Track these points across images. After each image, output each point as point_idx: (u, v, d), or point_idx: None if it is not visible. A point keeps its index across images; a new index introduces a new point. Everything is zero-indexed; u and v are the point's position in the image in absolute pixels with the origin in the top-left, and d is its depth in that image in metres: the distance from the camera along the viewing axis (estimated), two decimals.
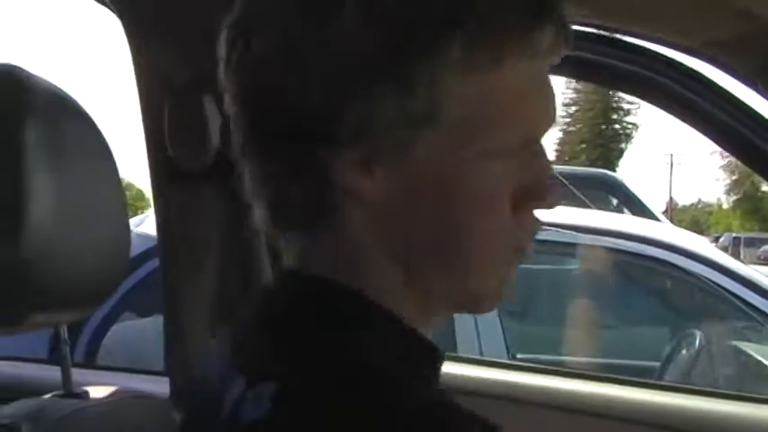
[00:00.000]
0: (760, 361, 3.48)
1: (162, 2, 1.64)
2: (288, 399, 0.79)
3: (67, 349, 1.46)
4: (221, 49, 0.90)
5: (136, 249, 2.84)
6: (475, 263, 0.89)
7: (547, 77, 0.90)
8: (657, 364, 3.79)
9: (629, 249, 3.60)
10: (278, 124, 0.86)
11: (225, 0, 0.91)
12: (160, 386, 1.86)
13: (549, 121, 0.90)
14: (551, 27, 0.85)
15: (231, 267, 1.77)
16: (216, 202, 1.70)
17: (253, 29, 0.87)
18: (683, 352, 3.70)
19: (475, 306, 0.96)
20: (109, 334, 3.50)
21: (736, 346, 3.70)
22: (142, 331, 3.38)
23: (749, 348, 3.64)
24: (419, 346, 0.91)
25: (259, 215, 0.93)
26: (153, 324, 2.91)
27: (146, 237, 2.80)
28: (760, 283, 3.49)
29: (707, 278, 3.53)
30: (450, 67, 0.82)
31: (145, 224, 3.35)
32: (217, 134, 1.60)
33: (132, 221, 3.61)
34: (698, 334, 3.68)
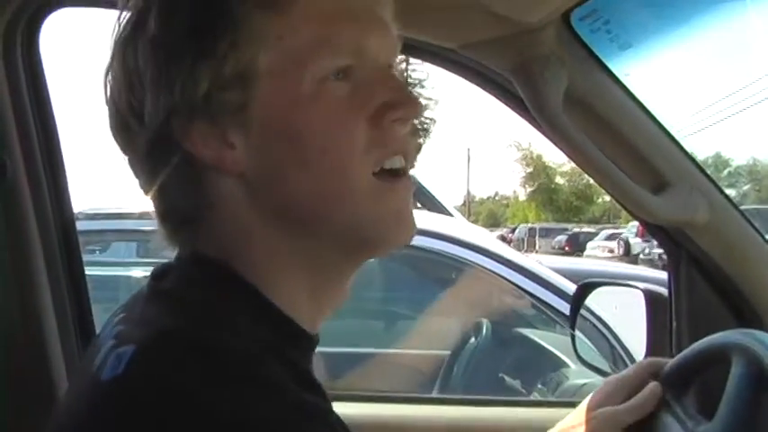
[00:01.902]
0: (543, 346, 3.64)
1: None
2: (140, 361, 0.83)
3: None
4: None
5: None
6: (349, 192, 0.92)
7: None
8: (449, 352, 3.91)
9: (417, 243, 3.69)
10: (132, 122, 0.91)
11: None
12: None
13: (378, 36, 0.97)
14: None
15: (6, 269, 1.76)
16: None
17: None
18: (472, 340, 3.83)
19: (372, 245, 0.98)
20: None
21: (520, 333, 3.85)
22: None
23: (532, 335, 3.80)
24: (288, 330, 0.95)
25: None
26: None
27: None
28: (540, 275, 3.65)
29: (491, 269, 3.66)
30: (249, 23, 0.89)
31: None
32: None
33: None
34: (485, 323, 3.82)
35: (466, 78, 1.75)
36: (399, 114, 0.94)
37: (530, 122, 1.70)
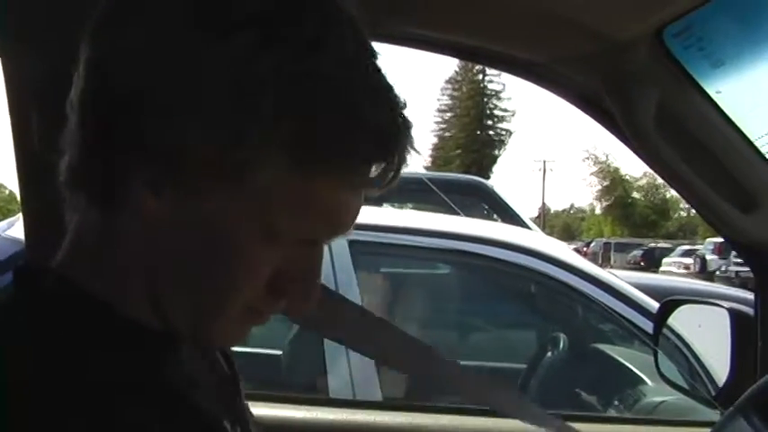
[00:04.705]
0: (620, 362, 3.61)
1: (28, 8, 1.64)
2: None
3: None
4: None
5: (4, 254, 2.81)
6: (215, 318, 0.95)
7: (357, 204, 0.95)
8: (524, 366, 3.89)
9: (497, 256, 3.67)
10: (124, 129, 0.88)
11: (90, 6, 0.94)
12: None
13: (332, 232, 0.95)
14: (381, 167, 0.92)
15: None
16: None
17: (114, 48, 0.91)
18: (549, 354, 3.81)
19: (205, 343, 1.05)
20: None
21: (597, 349, 3.82)
22: None
23: (610, 350, 3.77)
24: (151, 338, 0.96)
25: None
26: None
27: (14, 240, 2.77)
28: (618, 288, 3.61)
29: (569, 283, 3.63)
30: (277, 155, 0.87)
31: (14, 228, 3.30)
32: None
33: (0, 225, 3.55)
34: (562, 337, 3.80)
35: (554, 93, 1.75)
36: (291, 297, 0.98)
37: (619, 138, 1.69)
